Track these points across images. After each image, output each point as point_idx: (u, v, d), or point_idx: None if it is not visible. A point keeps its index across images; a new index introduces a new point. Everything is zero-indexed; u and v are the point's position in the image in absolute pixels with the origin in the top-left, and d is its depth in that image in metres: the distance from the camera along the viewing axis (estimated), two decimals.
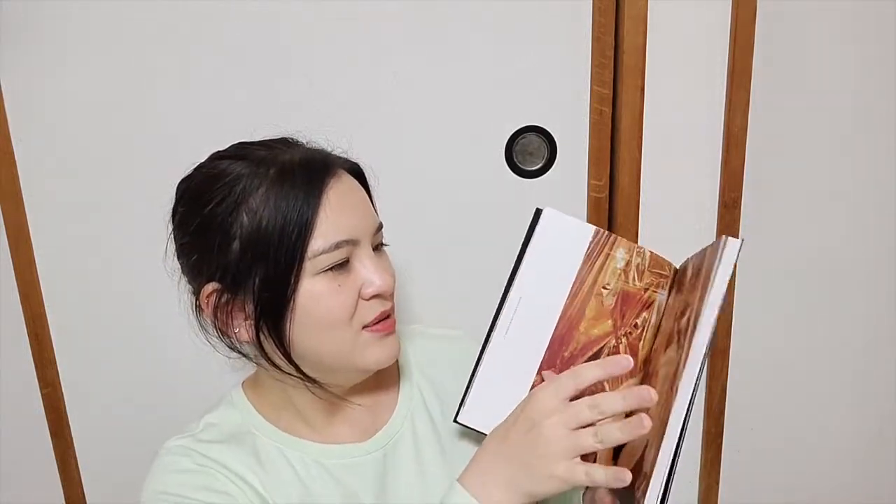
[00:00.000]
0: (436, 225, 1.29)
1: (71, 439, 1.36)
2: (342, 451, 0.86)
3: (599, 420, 0.68)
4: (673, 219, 1.30)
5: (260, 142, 0.84)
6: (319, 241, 0.77)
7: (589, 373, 0.70)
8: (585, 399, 0.69)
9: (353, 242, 0.79)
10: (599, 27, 1.20)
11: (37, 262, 1.27)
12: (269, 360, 0.81)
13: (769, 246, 1.32)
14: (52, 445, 1.36)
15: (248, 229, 0.76)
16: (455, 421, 0.83)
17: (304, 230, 0.76)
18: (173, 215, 0.84)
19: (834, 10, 1.22)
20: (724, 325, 1.35)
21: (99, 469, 1.38)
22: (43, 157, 1.23)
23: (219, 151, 0.84)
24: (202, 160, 0.84)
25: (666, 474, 0.67)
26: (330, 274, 0.78)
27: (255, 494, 0.81)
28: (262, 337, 0.79)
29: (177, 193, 0.84)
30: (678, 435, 0.67)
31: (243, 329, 0.80)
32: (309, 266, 0.77)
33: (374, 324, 0.80)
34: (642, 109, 1.22)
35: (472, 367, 0.83)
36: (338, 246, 0.77)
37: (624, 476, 0.66)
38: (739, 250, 0.72)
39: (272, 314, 0.77)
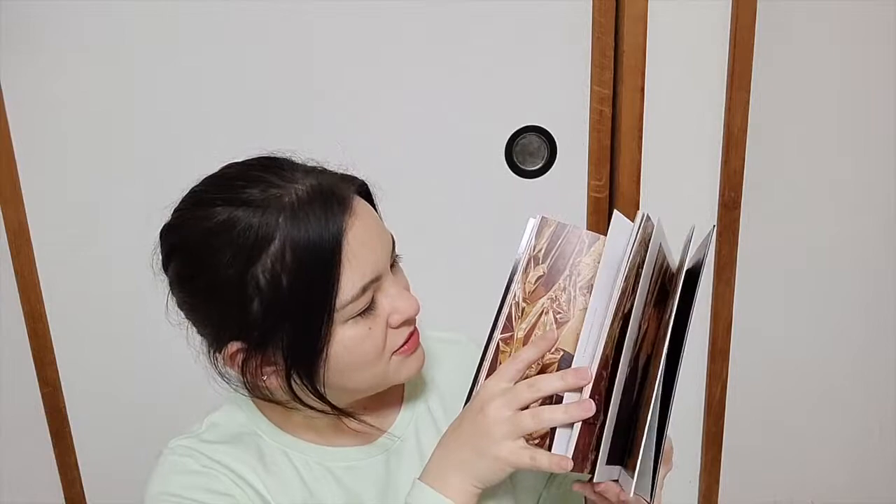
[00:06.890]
0: (436, 225, 1.29)
1: (71, 439, 1.36)
2: (346, 454, 0.85)
3: (539, 399, 0.70)
4: (673, 219, 1.29)
5: (247, 171, 0.76)
6: (347, 290, 0.72)
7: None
8: (525, 380, 0.71)
9: (376, 280, 0.75)
10: (599, 27, 1.20)
11: (37, 262, 1.27)
12: (301, 402, 0.78)
13: (769, 246, 1.32)
14: (52, 445, 1.36)
15: (269, 289, 0.71)
16: None
17: (329, 286, 0.71)
18: (165, 268, 0.78)
19: (833, 11, 1.22)
20: (724, 324, 1.35)
21: (99, 469, 1.38)
22: (43, 157, 1.23)
23: (203, 192, 0.76)
24: (179, 203, 0.76)
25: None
26: (359, 318, 0.75)
27: (258, 496, 0.80)
28: (294, 385, 0.76)
29: (165, 246, 0.77)
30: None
31: (273, 377, 0.77)
32: (338, 316, 0.73)
33: (403, 345, 0.79)
34: (642, 109, 1.22)
35: (474, 373, 0.82)
36: (364, 290, 0.74)
37: (565, 464, 0.68)
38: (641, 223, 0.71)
39: (304, 366, 0.75)
